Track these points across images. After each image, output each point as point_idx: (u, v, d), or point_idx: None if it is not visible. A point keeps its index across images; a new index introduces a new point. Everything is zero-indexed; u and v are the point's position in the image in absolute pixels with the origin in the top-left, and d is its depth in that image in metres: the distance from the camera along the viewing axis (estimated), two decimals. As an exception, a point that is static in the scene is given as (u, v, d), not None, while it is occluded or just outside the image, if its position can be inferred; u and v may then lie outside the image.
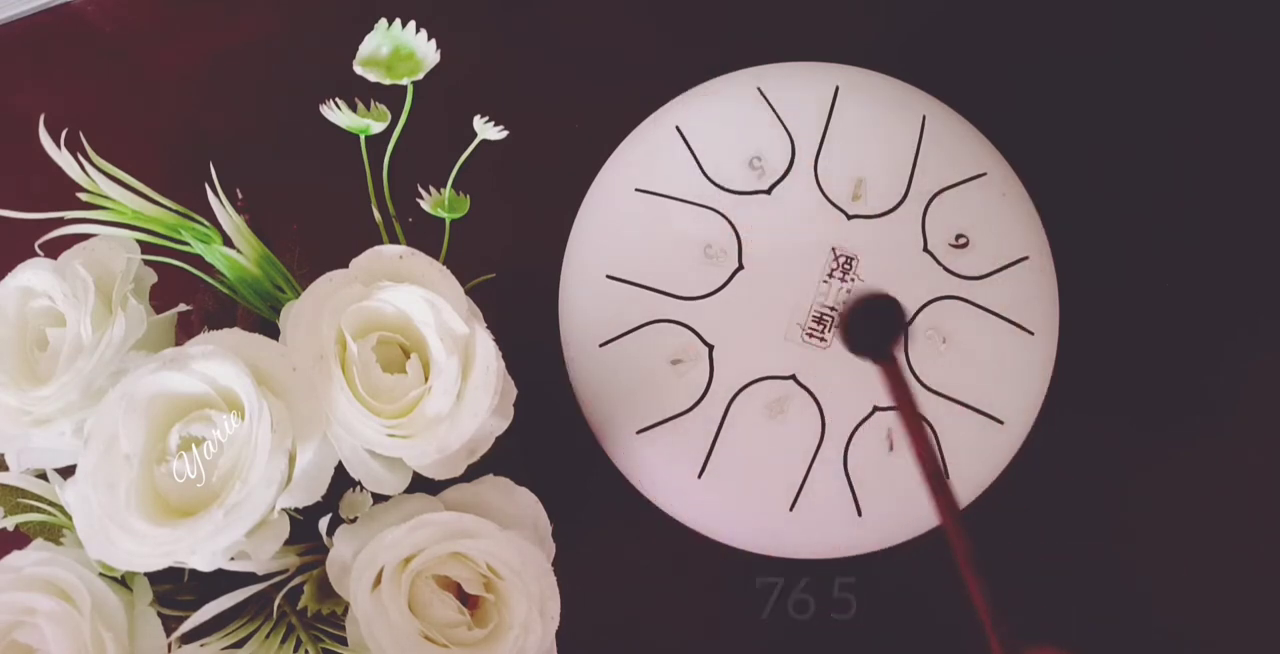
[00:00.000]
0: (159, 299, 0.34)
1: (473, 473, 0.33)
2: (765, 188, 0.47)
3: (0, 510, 0.33)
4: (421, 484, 0.32)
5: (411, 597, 0.31)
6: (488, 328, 0.31)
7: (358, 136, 0.39)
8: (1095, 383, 0.51)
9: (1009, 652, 0.34)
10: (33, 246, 0.32)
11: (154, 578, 0.32)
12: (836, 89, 0.48)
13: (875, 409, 0.45)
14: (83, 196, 0.32)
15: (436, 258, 0.31)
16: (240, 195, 0.37)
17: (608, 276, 0.47)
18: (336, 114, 0.38)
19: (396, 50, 0.40)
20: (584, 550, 0.47)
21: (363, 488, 0.31)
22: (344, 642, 0.32)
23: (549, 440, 0.48)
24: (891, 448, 0.45)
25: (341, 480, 0.31)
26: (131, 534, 0.27)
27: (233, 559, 0.29)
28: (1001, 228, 0.47)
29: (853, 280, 0.46)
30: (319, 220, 0.44)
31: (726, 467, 0.45)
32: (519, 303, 0.44)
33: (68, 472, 0.30)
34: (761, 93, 0.48)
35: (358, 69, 0.40)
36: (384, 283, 0.30)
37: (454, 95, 0.45)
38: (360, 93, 0.39)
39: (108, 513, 0.27)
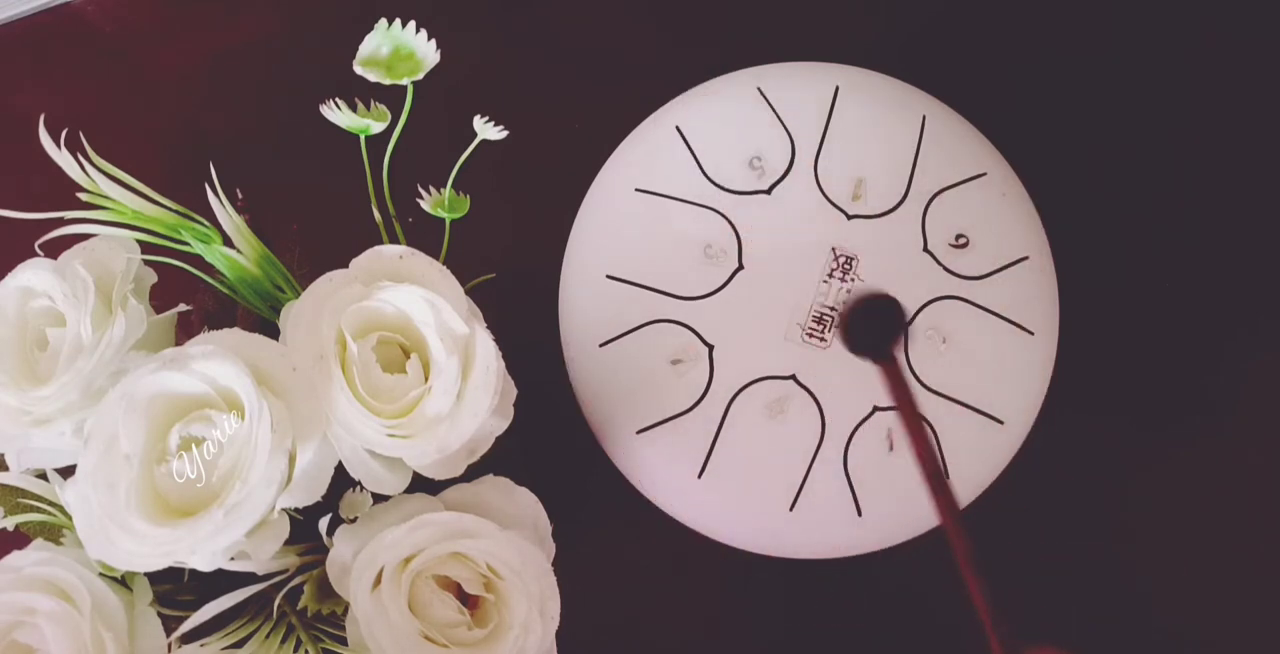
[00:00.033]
0: (159, 299, 0.34)
1: (473, 473, 0.33)
2: (765, 188, 0.47)
3: (0, 510, 0.33)
4: (421, 484, 0.32)
5: (411, 597, 0.31)
6: (488, 328, 0.31)
7: (358, 136, 0.39)
8: (1095, 383, 0.51)
9: (1009, 652, 0.34)
10: (33, 246, 0.32)
11: (154, 578, 0.32)
12: (836, 89, 0.48)
13: (875, 409, 0.45)
14: (83, 196, 0.32)
15: (436, 258, 0.31)
16: (240, 195, 0.37)
17: (608, 277, 0.47)
18: (336, 114, 0.38)
19: (396, 50, 0.40)
20: (584, 550, 0.47)
21: (363, 488, 0.31)
22: (344, 642, 0.32)
23: (549, 440, 0.48)
24: (891, 448, 0.45)
25: (341, 480, 0.31)
26: (131, 534, 0.27)
27: (233, 559, 0.29)
28: (1001, 228, 0.47)
29: (853, 280, 0.46)
30: (319, 220, 0.44)
31: (726, 467, 0.45)
32: (519, 303, 0.44)
33: (68, 472, 0.30)
34: (761, 93, 0.48)
35: (358, 69, 0.40)
36: (384, 283, 0.30)
37: (454, 95, 0.45)
38: (360, 93, 0.39)
39: (108, 513, 0.27)
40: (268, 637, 0.32)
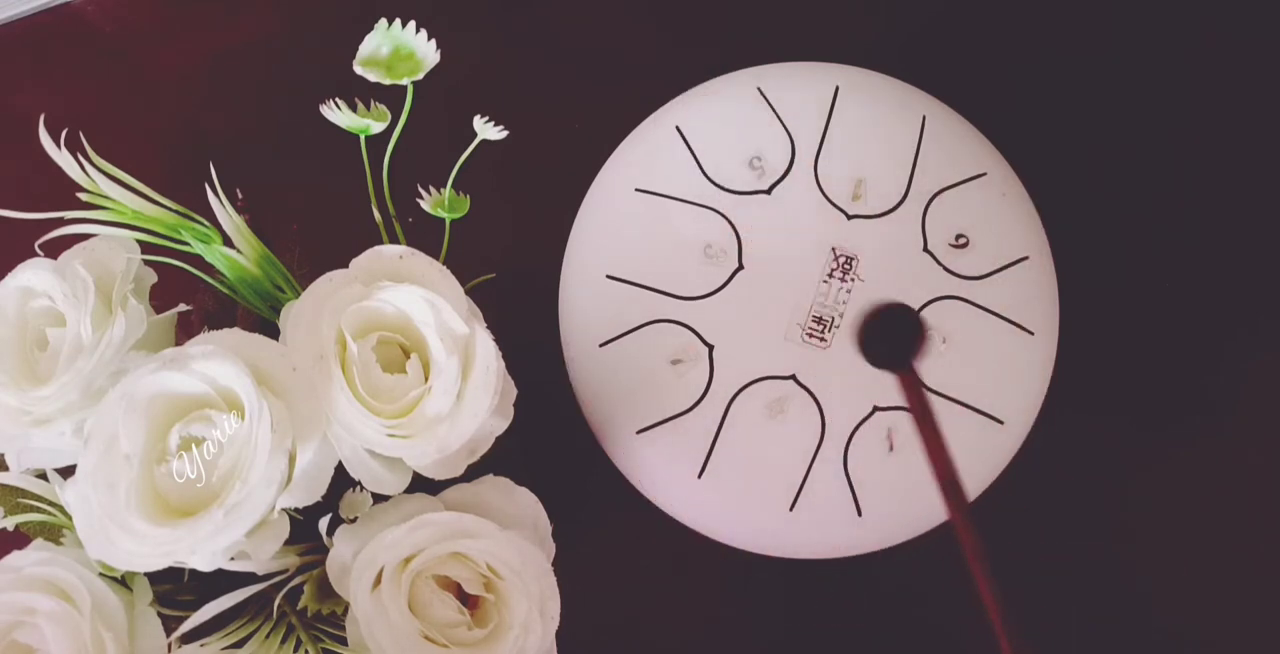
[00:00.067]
0: (159, 299, 0.34)
1: (473, 473, 0.33)
2: (765, 188, 0.47)
3: (0, 510, 0.33)
4: (421, 484, 0.32)
5: (411, 597, 0.31)
6: (488, 328, 0.31)
7: (358, 136, 0.39)
8: (1095, 383, 0.51)
9: None
10: (33, 246, 0.32)
11: (154, 578, 0.32)
12: (836, 89, 0.48)
13: (875, 409, 0.45)
14: (83, 196, 0.32)
15: (436, 258, 0.31)
16: (240, 195, 0.37)
17: (608, 277, 0.47)
18: (336, 114, 0.38)
19: (396, 50, 0.40)
20: (584, 550, 0.47)
21: (363, 488, 0.31)
22: (344, 642, 0.32)
23: (549, 440, 0.48)
24: (891, 448, 0.45)
25: (341, 480, 0.31)
26: (131, 534, 0.27)
27: (233, 559, 0.29)
28: (1001, 228, 0.47)
29: (853, 280, 0.46)
30: (319, 220, 0.44)
31: (726, 467, 0.45)
32: (519, 303, 0.44)
33: (68, 472, 0.30)
34: (761, 93, 0.48)
35: (358, 69, 0.40)
36: (384, 283, 0.30)
37: (454, 95, 0.45)
38: (360, 93, 0.39)
39: (108, 513, 0.27)
40: (268, 637, 0.32)
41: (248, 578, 0.31)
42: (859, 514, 0.45)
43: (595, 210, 0.49)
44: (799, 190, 0.46)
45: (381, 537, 0.30)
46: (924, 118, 0.48)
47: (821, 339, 0.45)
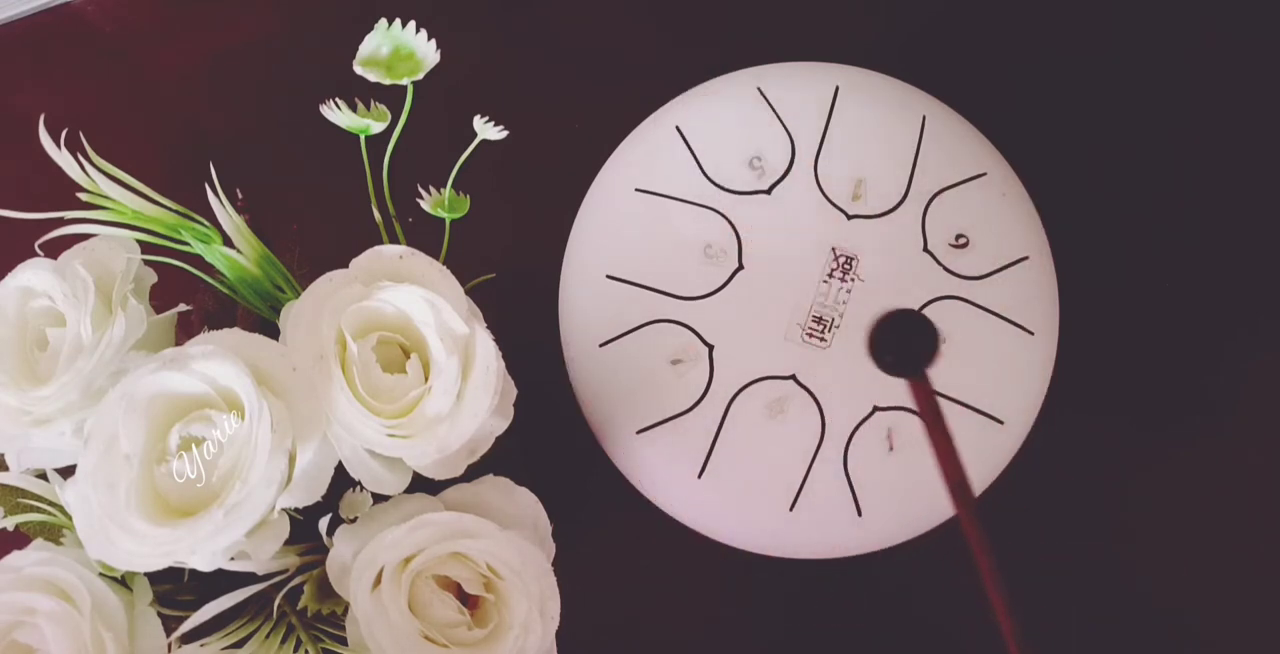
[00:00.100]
0: (159, 299, 0.34)
1: (473, 473, 0.33)
2: (765, 188, 0.47)
3: (0, 510, 0.33)
4: (421, 484, 0.32)
5: (411, 597, 0.31)
6: (488, 328, 0.31)
7: (358, 136, 0.39)
8: (1095, 383, 0.51)
9: None
10: (33, 246, 0.32)
11: (154, 578, 0.32)
12: (836, 89, 0.48)
13: (875, 409, 0.45)
14: (83, 196, 0.32)
15: (436, 258, 0.31)
16: (240, 195, 0.37)
17: (608, 277, 0.47)
18: (336, 114, 0.38)
19: (396, 50, 0.40)
20: (584, 550, 0.47)
21: (363, 488, 0.31)
22: (344, 642, 0.32)
23: (549, 440, 0.48)
24: (891, 448, 0.45)
25: (341, 480, 0.31)
26: (131, 534, 0.27)
27: (233, 559, 0.29)
28: (1001, 228, 0.47)
29: (853, 280, 0.46)
30: (319, 220, 0.44)
31: (726, 467, 0.45)
32: (519, 303, 0.44)
33: (68, 472, 0.30)
34: (761, 93, 0.48)
35: (358, 69, 0.40)
36: (384, 283, 0.30)
37: (454, 95, 0.45)
38: (360, 93, 0.39)
39: (108, 513, 0.27)
40: (268, 637, 0.32)
41: (248, 578, 0.31)
42: (859, 514, 0.45)
43: (595, 210, 0.49)
44: (799, 190, 0.46)
45: (381, 537, 0.30)
46: (924, 118, 0.48)
47: (821, 339, 0.45)
